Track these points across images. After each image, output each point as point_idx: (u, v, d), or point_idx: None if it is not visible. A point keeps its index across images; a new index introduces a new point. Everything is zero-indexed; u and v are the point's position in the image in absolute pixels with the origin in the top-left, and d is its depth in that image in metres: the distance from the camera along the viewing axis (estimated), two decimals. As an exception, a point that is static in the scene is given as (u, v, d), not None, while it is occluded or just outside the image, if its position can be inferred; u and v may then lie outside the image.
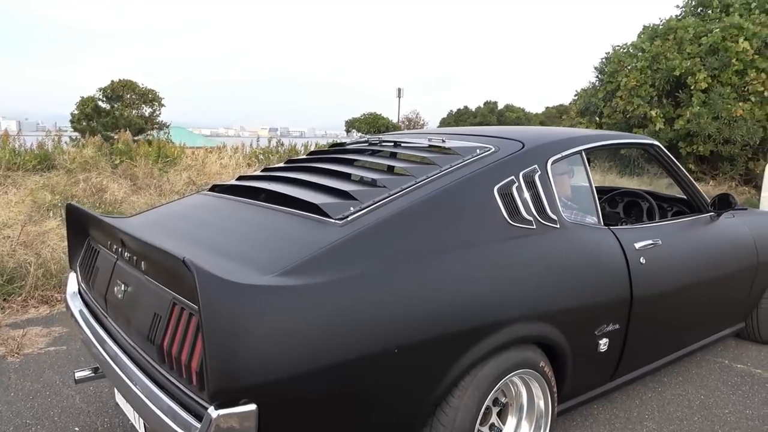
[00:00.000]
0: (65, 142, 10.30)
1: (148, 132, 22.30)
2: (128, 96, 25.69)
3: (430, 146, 2.31)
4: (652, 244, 2.30)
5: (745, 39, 10.81)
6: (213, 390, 1.27)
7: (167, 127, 24.15)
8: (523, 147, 2.13)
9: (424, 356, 1.58)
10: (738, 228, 2.87)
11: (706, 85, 10.95)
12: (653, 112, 11.46)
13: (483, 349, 1.69)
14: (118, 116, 24.22)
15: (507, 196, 1.94)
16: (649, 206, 3.13)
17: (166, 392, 1.51)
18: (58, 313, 3.62)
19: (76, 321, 2.11)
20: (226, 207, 2.17)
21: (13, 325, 3.38)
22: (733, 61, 10.78)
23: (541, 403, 1.95)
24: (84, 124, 24.57)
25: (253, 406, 1.31)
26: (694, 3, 13.02)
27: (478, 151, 2.11)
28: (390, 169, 2.33)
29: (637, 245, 2.24)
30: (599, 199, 2.41)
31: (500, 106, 39.81)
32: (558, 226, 2.02)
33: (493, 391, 1.75)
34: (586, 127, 11.92)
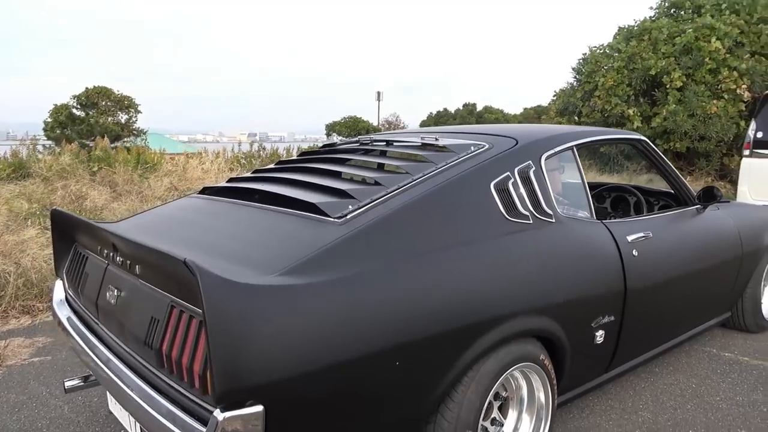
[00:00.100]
0: (39, 151, 10.08)
1: (125, 139, 21.98)
2: (103, 103, 25.29)
3: (424, 144, 2.31)
4: (643, 236, 2.33)
5: (717, 39, 11.05)
6: (219, 392, 1.25)
7: (144, 133, 23.85)
8: (516, 144, 2.14)
9: (428, 352, 1.58)
10: (723, 220, 2.92)
11: (681, 84, 11.16)
12: (631, 111, 11.64)
13: (485, 343, 1.69)
14: (93, 123, 23.83)
15: (503, 191, 1.95)
16: (636, 200, 3.17)
17: (167, 397, 1.47)
18: (40, 323, 3.53)
19: (65, 329, 2.05)
20: (219, 209, 2.14)
21: (-5, 336, 3.29)
22: (706, 60, 11.02)
23: (542, 396, 1.96)
24: (58, 132, 24.12)
25: (259, 408, 1.28)
26: (667, 4, 13.29)
27: (472, 148, 2.11)
28: (385, 168, 2.32)
29: (630, 238, 2.27)
30: None
31: (479, 108, 40.12)
32: (554, 220, 2.04)
33: (495, 386, 1.75)
34: (566, 127, 12.04)
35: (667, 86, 11.32)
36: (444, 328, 1.60)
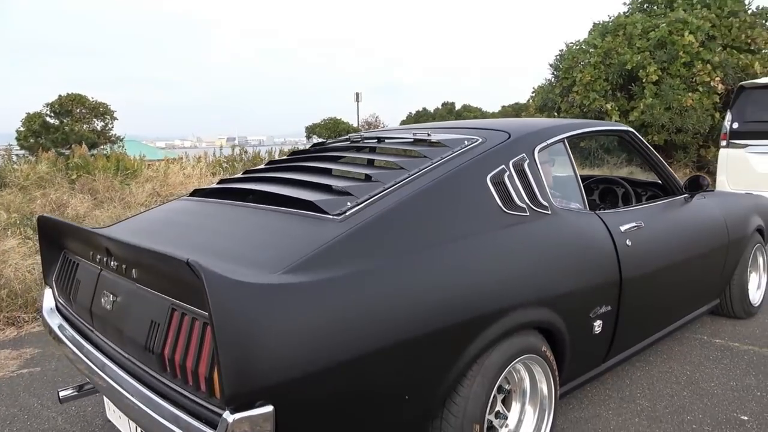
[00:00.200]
0: (13, 160, 9.88)
1: (102, 146, 21.60)
2: (78, 110, 24.83)
3: (416, 140, 2.30)
4: (635, 226, 2.35)
5: (690, 32, 11.28)
6: (229, 394, 1.22)
7: (121, 140, 23.47)
8: (509, 137, 2.15)
9: (435, 346, 1.57)
10: (710, 208, 2.97)
11: (657, 78, 11.37)
12: (609, 106, 11.81)
13: (489, 336, 1.69)
14: (68, 132, 23.37)
15: (500, 184, 1.95)
16: (624, 191, 3.21)
17: (170, 401, 1.44)
18: (27, 335, 3.45)
19: (57, 337, 2.00)
20: (213, 210, 2.10)
21: (-20, 349, 3.20)
22: (680, 53, 11.24)
23: (544, 387, 1.97)
24: (32, 141, 23.60)
25: (269, 408, 1.26)
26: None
27: (466, 142, 2.11)
28: (379, 164, 2.31)
29: (623, 228, 2.29)
30: None
31: (458, 106, 40.34)
32: (549, 212, 2.05)
33: (500, 378, 1.75)
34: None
35: (644, 80, 11.52)
36: (450, 322, 1.60)
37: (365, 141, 2.57)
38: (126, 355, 1.66)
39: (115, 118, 25.66)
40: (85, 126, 24.63)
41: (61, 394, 2.07)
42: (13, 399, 2.61)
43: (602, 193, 3.36)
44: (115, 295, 1.72)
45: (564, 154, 2.38)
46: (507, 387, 1.93)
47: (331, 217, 1.67)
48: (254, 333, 1.26)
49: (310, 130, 32.91)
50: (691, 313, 2.96)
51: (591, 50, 12.73)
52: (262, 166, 2.53)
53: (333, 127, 31.18)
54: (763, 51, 11.61)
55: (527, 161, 2.08)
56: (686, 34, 11.26)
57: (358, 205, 1.72)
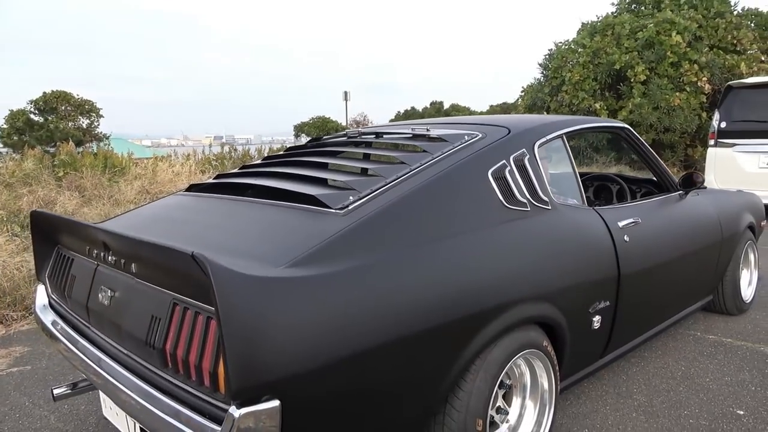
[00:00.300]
0: (-2, 158, 9.72)
1: (87, 144, 21.33)
2: (63, 108, 24.49)
3: (415, 135, 2.29)
4: (633, 222, 2.36)
5: (677, 33, 11.40)
6: (236, 388, 1.20)
7: (107, 138, 23.19)
8: (509, 132, 2.15)
9: (439, 340, 1.56)
10: (704, 205, 3.00)
11: (645, 77, 11.48)
12: (597, 105, 11.91)
13: (492, 331, 1.68)
14: (53, 129, 23.04)
15: (501, 179, 1.95)
16: (619, 188, 3.23)
17: (172, 397, 1.42)
18: (15, 333, 3.39)
19: (51, 334, 1.97)
20: (211, 205, 2.07)
21: (-33, 348, 3.14)
22: (668, 53, 11.35)
23: (545, 382, 1.97)
24: (15, 138, 23.23)
25: (276, 402, 1.24)
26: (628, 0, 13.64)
27: (466, 137, 2.10)
28: (380, 159, 2.30)
29: (620, 224, 2.30)
30: None
31: (446, 106, 40.41)
32: (550, 207, 2.05)
33: (502, 373, 1.75)
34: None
35: (632, 80, 11.62)
36: (454, 316, 1.59)
37: (363, 136, 2.56)
38: (125, 351, 1.63)
39: (101, 116, 25.35)
40: (70, 123, 24.30)
41: (55, 391, 2.03)
42: (3, 398, 2.56)
43: (597, 190, 3.37)
44: (112, 290, 1.69)
45: (563, 150, 2.38)
46: (508, 382, 1.93)
47: (333, 211, 1.66)
48: (261, 327, 1.25)
49: (299, 129, 32.78)
50: (685, 309, 2.98)
51: (580, 50, 12.83)
52: (258, 161, 2.50)
53: (321, 126, 31.09)
54: (749, 51, 11.77)
55: (527, 156, 2.08)
56: (674, 34, 11.38)
57: (361, 199, 1.71)
